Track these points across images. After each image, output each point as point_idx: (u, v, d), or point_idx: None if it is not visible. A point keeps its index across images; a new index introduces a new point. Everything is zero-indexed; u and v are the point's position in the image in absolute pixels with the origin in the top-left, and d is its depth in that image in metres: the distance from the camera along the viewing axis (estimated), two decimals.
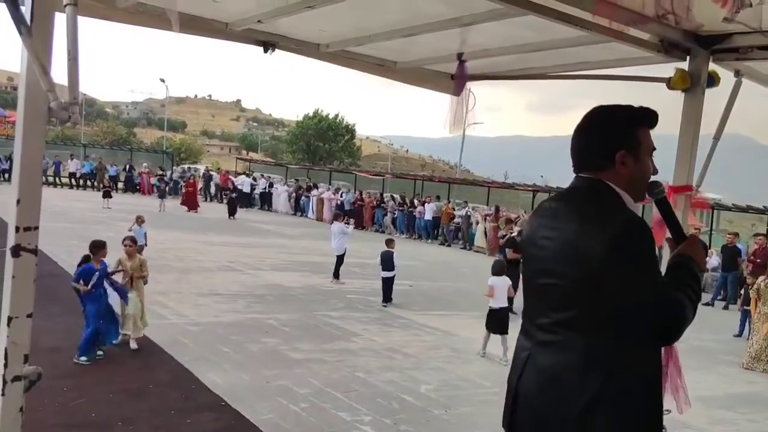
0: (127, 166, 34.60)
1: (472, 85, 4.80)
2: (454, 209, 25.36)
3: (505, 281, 8.87)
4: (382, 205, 27.53)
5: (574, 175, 2.16)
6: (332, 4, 3.09)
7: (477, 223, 24.05)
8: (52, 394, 5.48)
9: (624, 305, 1.86)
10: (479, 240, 23.56)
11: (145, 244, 12.32)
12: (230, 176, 35.00)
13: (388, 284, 11.56)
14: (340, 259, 13.12)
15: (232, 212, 25.86)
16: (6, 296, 1.80)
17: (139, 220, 12.50)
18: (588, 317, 1.91)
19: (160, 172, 34.85)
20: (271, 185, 33.25)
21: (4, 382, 1.78)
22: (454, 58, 4.01)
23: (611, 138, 2.07)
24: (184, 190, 28.66)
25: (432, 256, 20.23)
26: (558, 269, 1.99)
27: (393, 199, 28.05)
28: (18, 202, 1.79)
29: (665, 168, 3.61)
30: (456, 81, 4.23)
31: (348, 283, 12.88)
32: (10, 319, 1.78)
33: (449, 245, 24.58)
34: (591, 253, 1.87)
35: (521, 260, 2.43)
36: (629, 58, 3.63)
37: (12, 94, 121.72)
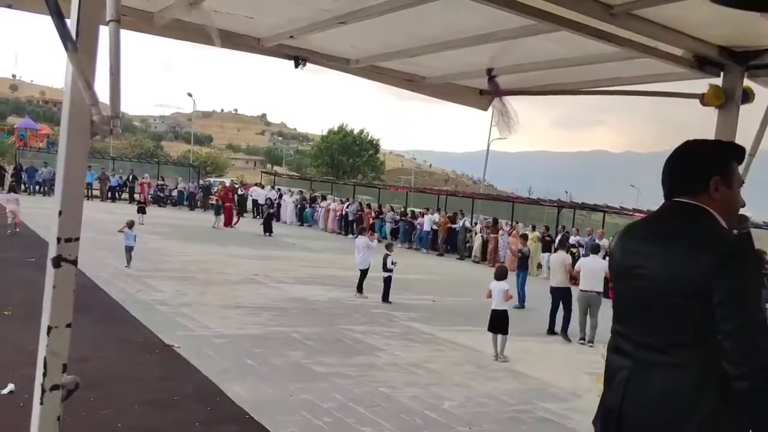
0: (130, 177, 35.17)
1: (497, 100, 4.80)
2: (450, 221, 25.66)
3: (501, 285, 9.40)
4: (381, 216, 28.20)
5: (667, 199, 2.26)
6: (364, 19, 3.12)
7: (476, 234, 24.20)
8: (78, 403, 5.51)
9: (725, 322, 1.91)
10: (477, 250, 23.69)
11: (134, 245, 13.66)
12: (248, 187, 35.36)
13: (385, 283, 12.87)
14: (363, 273, 13.12)
15: (268, 229, 24.69)
16: (46, 306, 1.83)
17: (130, 224, 13.78)
18: (701, 335, 1.97)
19: (161, 183, 35.80)
20: (280, 196, 33.61)
21: (43, 391, 1.80)
22: (483, 73, 4.01)
23: (707, 164, 2.19)
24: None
25: (451, 270, 20.16)
26: (665, 290, 2.04)
27: (393, 209, 28.93)
28: (60, 213, 1.82)
29: None
30: (485, 96, 4.23)
31: (371, 298, 12.85)
32: (49, 328, 1.80)
33: (442, 255, 24.77)
34: (703, 271, 1.94)
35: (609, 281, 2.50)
36: (662, 73, 3.59)
37: (44, 107, 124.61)
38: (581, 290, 11.13)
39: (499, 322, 9.18)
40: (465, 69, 4.06)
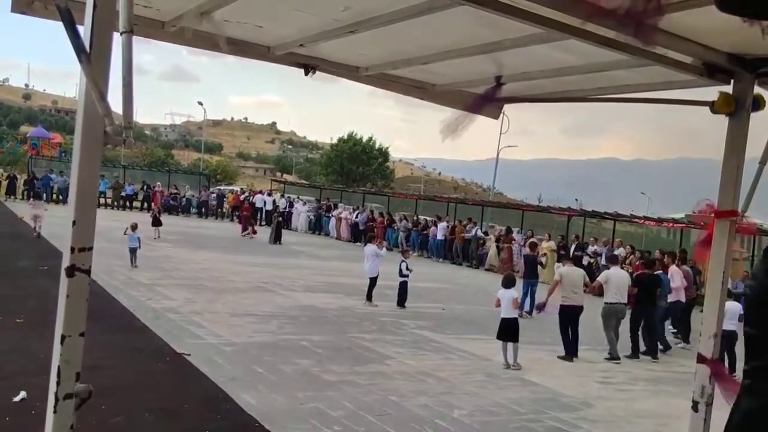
0: (145, 186, 35.38)
1: (506, 108, 4.80)
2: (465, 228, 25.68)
3: (509, 293, 9.30)
4: (393, 225, 28.45)
5: None
6: (373, 28, 3.14)
7: (492, 242, 24.25)
8: (90, 411, 5.52)
9: None
10: (492, 259, 23.73)
11: (139, 247, 14.48)
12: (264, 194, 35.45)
13: (400, 288, 13.17)
14: (373, 281, 13.12)
15: (277, 237, 24.81)
16: (60, 315, 1.84)
17: (133, 227, 14.68)
18: None
19: (174, 191, 36.12)
20: (291, 204, 33.66)
21: (56, 400, 1.81)
22: (492, 81, 4.01)
23: None
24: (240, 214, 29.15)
25: (462, 278, 20.09)
26: (752, 317, 1.92)
27: (406, 218, 29.11)
28: (74, 223, 1.84)
29: (711, 192, 3.54)
30: (494, 104, 4.23)
31: (381, 306, 12.85)
32: (63, 337, 1.81)
33: (459, 264, 24.73)
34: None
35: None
36: (671, 81, 3.58)
37: (56, 116, 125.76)
38: (609, 303, 10.63)
39: (509, 331, 9.13)
40: (474, 77, 4.06)
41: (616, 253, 17.65)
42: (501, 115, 4.72)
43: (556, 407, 7.45)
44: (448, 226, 25.81)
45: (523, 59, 3.54)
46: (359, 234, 28.54)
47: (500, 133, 43.44)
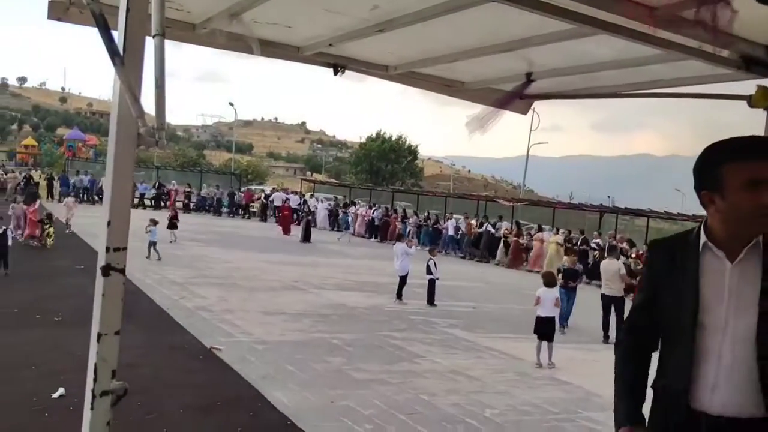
0: (157, 184, 35.64)
1: (536, 105, 4.76)
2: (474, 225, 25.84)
3: (552, 293, 9.33)
4: (405, 220, 28.92)
5: None
6: (402, 27, 3.13)
7: (501, 238, 24.32)
8: (125, 409, 5.61)
9: None
10: (500, 254, 23.84)
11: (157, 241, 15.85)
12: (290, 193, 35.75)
13: (429, 286, 13.11)
14: (403, 279, 13.13)
15: (306, 237, 24.86)
16: (96, 313, 1.88)
17: (154, 222, 16.07)
18: None
19: (188, 189, 36.15)
20: (305, 202, 33.91)
21: (93, 397, 1.85)
22: (522, 77, 3.98)
23: (696, 178, 2.16)
24: (280, 214, 30.17)
25: (483, 275, 19.97)
26: None
27: (416, 214, 29.68)
28: (108, 223, 1.88)
29: None
30: (525, 101, 4.19)
31: (411, 304, 12.84)
32: (99, 335, 1.86)
33: (469, 259, 24.80)
34: None
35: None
36: (707, 75, 3.50)
37: (91, 118, 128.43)
38: None
39: (547, 329, 9.07)
40: (504, 74, 4.04)
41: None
42: (531, 110, 4.68)
43: (590, 407, 7.36)
44: (466, 223, 25.88)
45: (554, 55, 3.51)
46: (375, 230, 29.53)
47: (530, 130, 43.04)
